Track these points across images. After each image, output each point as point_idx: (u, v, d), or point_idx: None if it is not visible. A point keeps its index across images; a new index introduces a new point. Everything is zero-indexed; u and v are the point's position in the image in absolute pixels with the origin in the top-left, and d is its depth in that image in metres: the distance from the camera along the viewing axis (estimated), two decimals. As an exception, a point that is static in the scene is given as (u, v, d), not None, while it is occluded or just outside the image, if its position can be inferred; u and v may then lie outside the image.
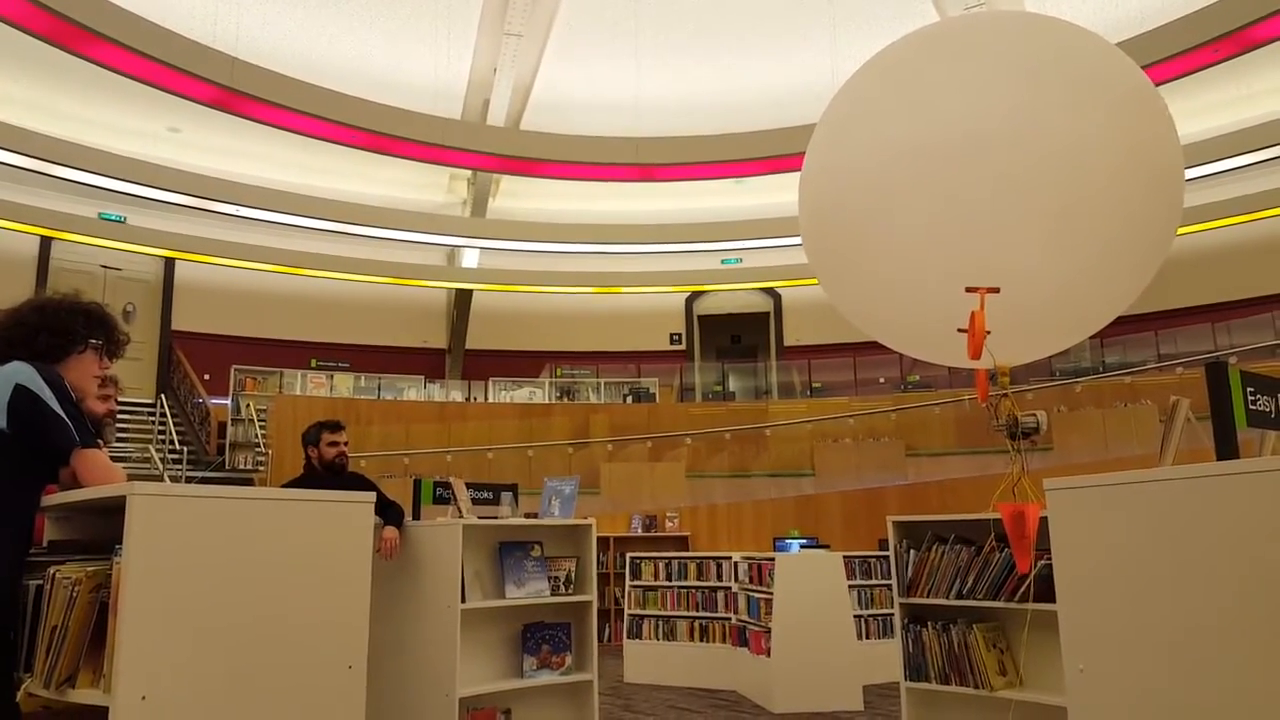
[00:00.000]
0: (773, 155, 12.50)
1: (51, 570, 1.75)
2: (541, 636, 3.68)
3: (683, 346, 16.18)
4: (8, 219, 11.93)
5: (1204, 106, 11.44)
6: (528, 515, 4.22)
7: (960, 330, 2.08)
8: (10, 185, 11.75)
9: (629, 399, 13.92)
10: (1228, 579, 1.59)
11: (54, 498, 1.96)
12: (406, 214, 14.06)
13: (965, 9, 10.95)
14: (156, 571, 1.65)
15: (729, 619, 6.70)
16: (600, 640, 5.02)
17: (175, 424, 12.00)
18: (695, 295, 16.31)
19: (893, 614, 3.41)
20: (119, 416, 9.62)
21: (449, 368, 15.46)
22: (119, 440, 10.73)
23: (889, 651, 4.77)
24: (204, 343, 13.55)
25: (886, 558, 5.49)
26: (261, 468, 11.31)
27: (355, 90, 11.82)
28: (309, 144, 12.44)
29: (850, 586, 6.33)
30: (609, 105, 13.11)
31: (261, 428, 11.84)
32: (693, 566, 7.14)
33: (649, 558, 7.42)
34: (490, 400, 13.86)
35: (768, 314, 16.21)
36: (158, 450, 10.88)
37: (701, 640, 6.86)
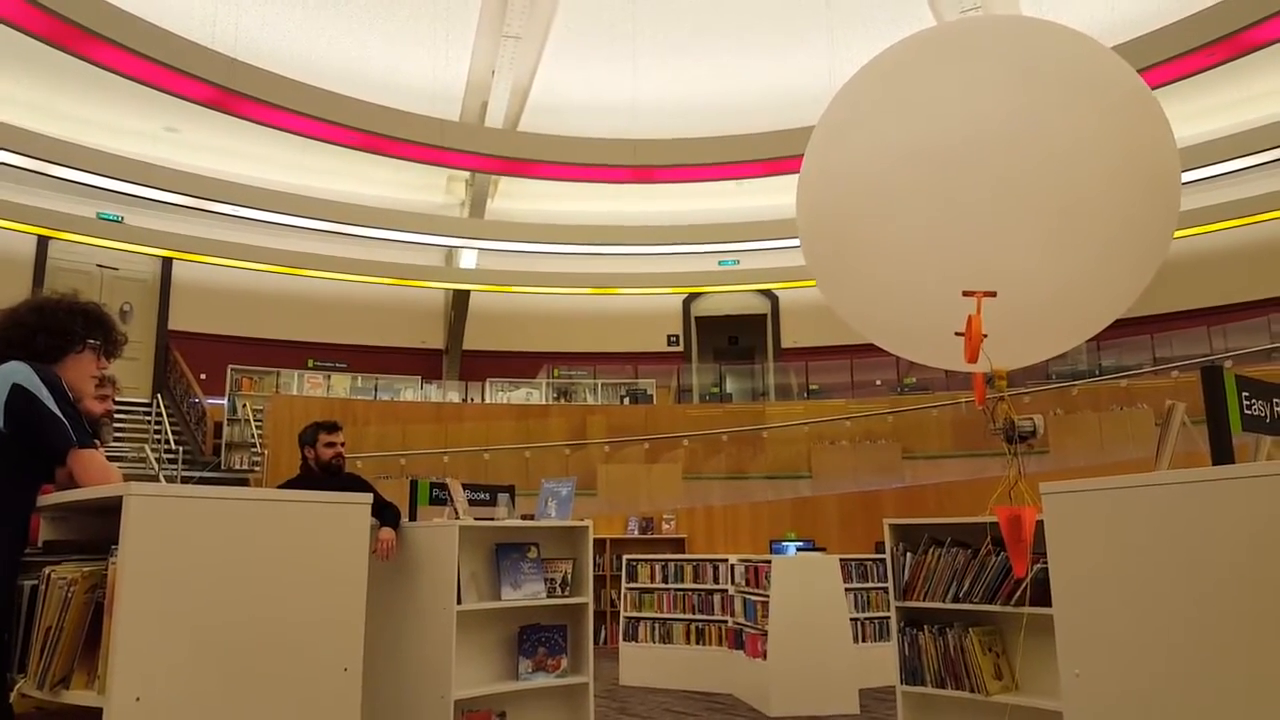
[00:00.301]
0: (770, 157, 12.53)
1: (47, 570, 1.74)
2: (537, 639, 3.68)
3: (680, 348, 16.18)
4: (5, 218, 11.91)
5: (1200, 110, 11.48)
6: (524, 517, 4.22)
7: (957, 334, 2.09)
8: (8, 185, 11.73)
9: (626, 400, 13.92)
10: (1223, 583, 1.60)
11: (50, 498, 1.96)
12: (404, 215, 14.06)
13: (961, 12, 10.98)
14: (152, 572, 1.65)
15: (725, 622, 6.69)
16: (596, 643, 5.02)
17: (171, 424, 11.97)
18: (693, 297, 16.32)
19: (889, 617, 3.41)
20: (115, 416, 9.59)
21: (446, 368, 15.45)
22: (115, 440, 10.69)
23: (885, 655, 4.77)
24: (201, 342, 13.52)
25: (883, 560, 5.51)
26: (257, 468, 11.28)
27: (353, 91, 11.82)
28: (307, 144, 12.44)
29: (846, 589, 6.34)
30: (607, 107, 13.12)
31: (258, 428, 11.81)
32: (689, 569, 7.14)
33: (645, 560, 7.41)
34: (487, 401, 13.85)
35: (765, 316, 16.23)
36: (154, 450, 10.86)
37: (697, 643, 6.86)
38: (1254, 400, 1.86)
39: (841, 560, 6.43)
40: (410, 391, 13.67)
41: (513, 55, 12.47)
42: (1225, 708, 1.58)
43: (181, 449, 11.64)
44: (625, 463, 11.20)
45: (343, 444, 3.98)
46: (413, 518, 3.93)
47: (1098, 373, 11.57)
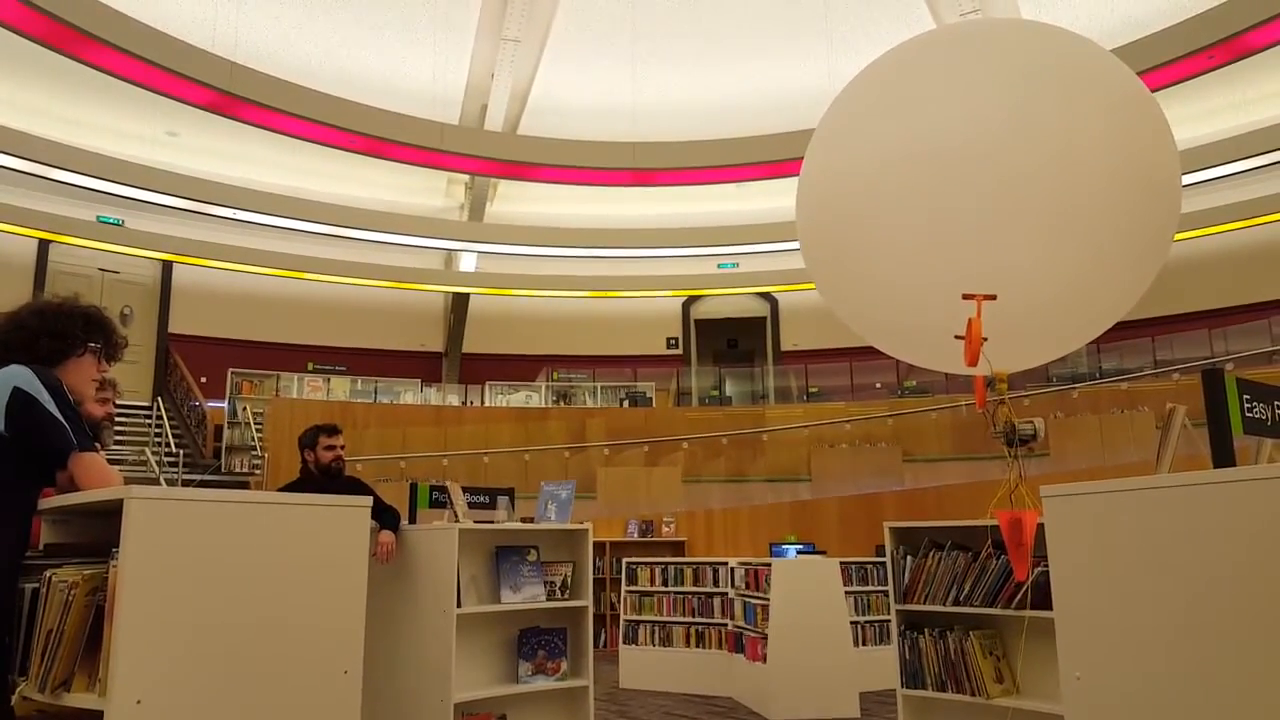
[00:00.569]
0: (770, 160, 12.54)
1: (48, 573, 1.74)
2: (537, 642, 3.68)
3: (679, 351, 16.19)
4: (6, 222, 11.91)
5: (1200, 113, 11.50)
6: (524, 520, 4.22)
7: (957, 337, 2.09)
8: (9, 188, 11.74)
9: (625, 403, 13.91)
10: (1225, 586, 1.60)
11: (51, 501, 1.96)
12: (404, 218, 14.07)
13: (960, 15, 11.00)
14: (153, 575, 1.65)
15: (725, 625, 6.69)
16: (596, 646, 5.01)
17: (172, 427, 11.97)
18: (692, 300, 16.32)
19: (889, 620, 3.41)
20: (116, 419, 9.59)
21: (446, 371, 15.45)
22: (116, 443, 10.69)
23: (885, 658, 4.76)
24: (201, 346, 13.52)
25: (883, 564, 5.50)
26: (258, 471, 11.28)
27: (353, 95, 11.84)
28: (307, 148, 12.45)
29: (847, 592, 6.33)
30: (606, 110, 13.14)
31: (258, 431, 11.81)
32: (689, 572, 7.13)
33: (645, 563, 7.41)
34: (487, 404, 13.85)
35: (764, 319, 16.24)
36: (154, 453, 10.85)
37: (698, 646, 6.85)
38: (1255, 403, 1.86)
39: (841, 563, 6.42)
40: (410, 394, 13.67)
41: (512, 58, 12.49)
42: (1227, 711, 1.58)
43: (182, 452, 11.63)
44: (625, 466, 11.20)
45: (342, 447, 3.98)
46: (412, 521, 3.93)
47: (1098, 375, 11.57)
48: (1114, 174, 2.11)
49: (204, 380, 12.81)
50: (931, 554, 3.29)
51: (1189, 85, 10.58)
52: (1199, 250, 12.07)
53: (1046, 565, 2.04)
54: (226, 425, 12.13)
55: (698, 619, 6.93)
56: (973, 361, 2.01)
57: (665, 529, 10.00)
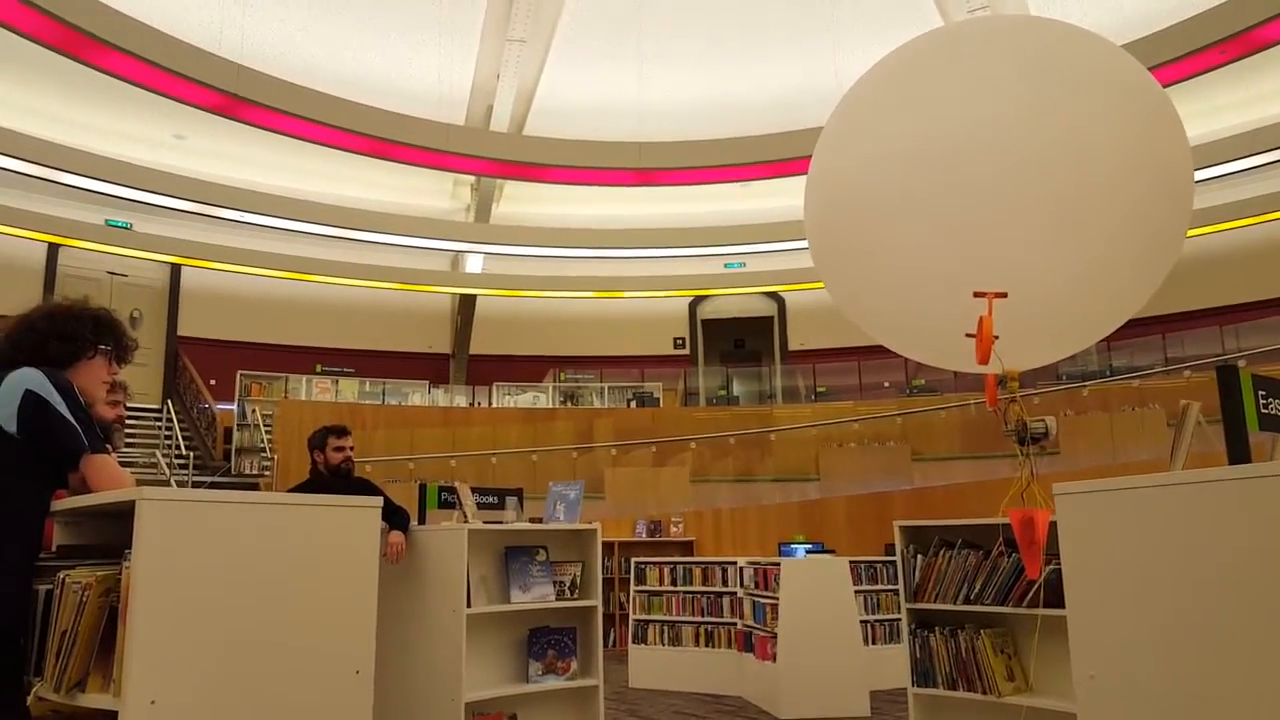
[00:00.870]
0: (776, 159, 12.52)
1: (61, 575, 1.75)
2: (547, 641, 3.68)
3: (686, 351, 16.17)
4: (16, 226, 11.99)
5: (1212, 108, 11.42)
6: (532, 520, 4.22)
7: (968, 335, 2.08)
8: (18, 192, 11.82)
9: (633, 403, 13.91)
10: (1241, 585, 1.58)
11: (63, 503, 1.97)
12: (410, 219, 14.10)
13: (969, 12, 10.95)
14: (165, 576, 1.65)
15: (734, 624, 6.68)
16: (605, 645, 5.01)
17: (181, 429, 12.03)
18: (699, 299, 16.31)
19: (899, 619, 3.40)
20: (126, 422, 9.63)
21: (453, 373, 15.48)
22: (126, 445, 10.74)
23: (896, 657, 4.75)
24: (209, 348, 13.59)
25: (893, 563, 5.48)
26: (267, 473, 11.32)
27: (359, 97, 11.88)
28: (313, 150, 12.50)
29: (856, 591, 6.31)
30: (612, 110, 13.13)
31: (267, 433, 11.85)
32: (698, 571, 7.12)
33: (654, 563, 7.40)
34: (494, 405, 13.87)
35: (771, 318, 16.21)
36: (164, 455, 10.90)
37: (707, 645, 6.84)
38: (1270, 399, 1.84)
39: (851, 562, 6.40)
40: (418, 396, 13.70)
41: (517, 59, 12.50)
42: (1244, 711, 1.56)
43: (192, 454, 11.68)
44: (632, 466, 11.20)
45: (351, 448, 3.99)
46: (422, 521, 3.93)
47: (1109, 373, 11.50)
48: (1126, 170, 2.09)
49: (213, 383, 12.87)
50: (942, 552, 3.27)
51: (1200, 81, 10.51)
52: (1210, 246, 11.98)
53: (1058, 563, 2.03)
54: (236, 427, 12.17)
55: (707, 618, 6.92)
56: (984, 360, 2.00)
57: (673, 529, 10.00)
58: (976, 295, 2.06)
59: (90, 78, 10.46)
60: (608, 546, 9.24)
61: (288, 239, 13.66)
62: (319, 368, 13.70)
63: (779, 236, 13.77)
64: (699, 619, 6.94)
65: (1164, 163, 2.17)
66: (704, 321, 16.39)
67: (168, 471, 10.35)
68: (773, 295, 16.04)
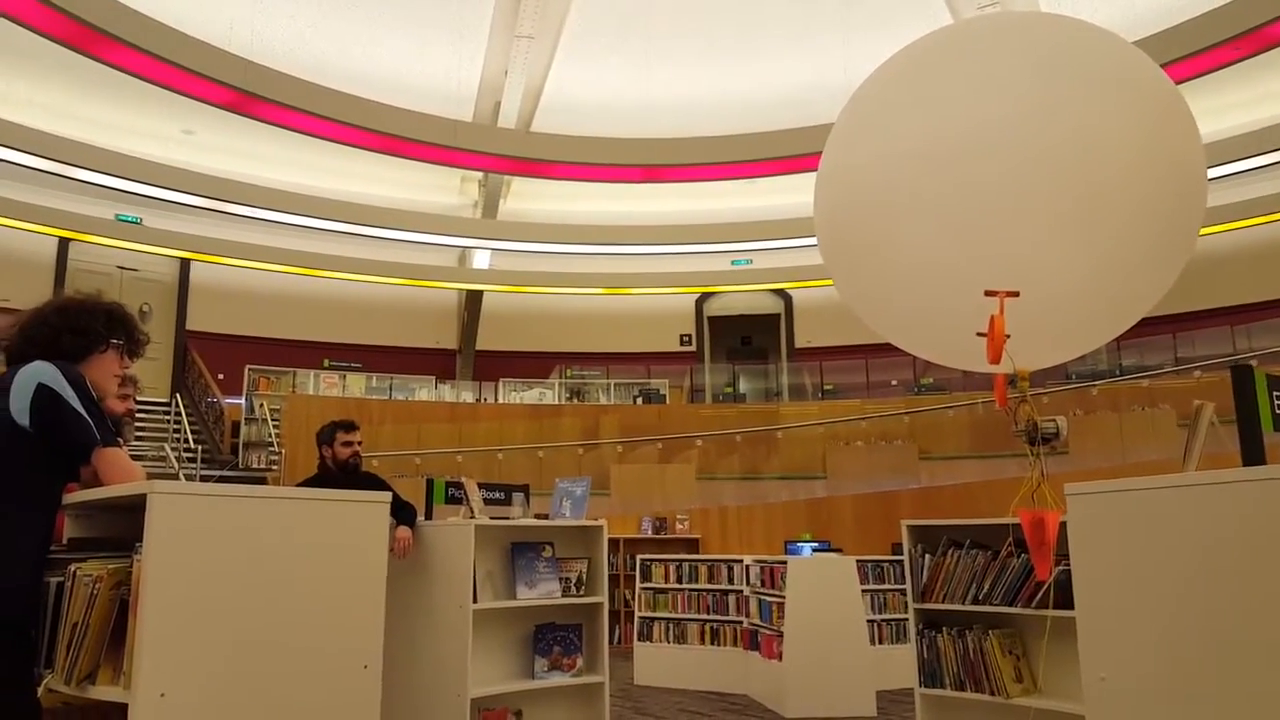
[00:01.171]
0: (784, 156, 12.48)
1: (72, 568, 1.76)
2: (553, 638, 3.68)
3: (693, 348, 16.16)
4: (27, 221, 12.07)
5: (1225, 105, 11.32)
6: (538, 516, 4.23)
7: (979, 334, 2.07)
8: (29, 187, 11.89)
9: (639, 400, 13.91)
10: (1255, 588, 1.57)
11: (75, 495, 1.98)
12: (418, 215, 14.12)
13: (979, 9, 10.89)
14: (176, 570, 1.66)
15: (740, 622, 6.67)
16: (611, 642, 5.02)
17: (190, 423, 12.09)
18: (705, 296, 16.28)
19: (906, 619, 3.39)
20: (136, 415, 9.69)
21: (460, 368, 15.51)
22: (135, 439, 10.81)
23: (903, 656, 4.73)
24: (218, 343, 13.65)
25: (900, 562, 5.47)
26: (275, 467, 11.37)
27: (368, 93, 11.89)
28: (322, 146, 12.52)
29: (863, 591, 6.30)
30: (620, 107, 13.12)
31: (275, 427, 11.90)
32: (704, 569, 7.12)
33: (659, 560, 7.40)
34: (501, 401, 13.89)
35: (778, 315, 16.17)
36: (172, 449, 10.96)
37: (713, 643, 6.84)
38: (1284, 400, 1.83)
39: (858, 561, 6.39)
40: (424, 391, 13.73)
41: (526, 55, 12.48)
42: (1257, 717, 1.55)
43: (200, 448, 11.75)
44: (638, 463, 11.20)
45: (360, 443, 4.01)
46: (428, 517, 3.94)
47: (1118, 373, 11.44)
48: (1138, 167, 2.08)
49: (221, 377, 12.93)
50: (950, 552, 3.26)
51: (1211, 79, 10.42)
52: (1221, 245, 11.90)
53: (1067, 564, 2.02)
54: (244, 421, 12.23)
55: (713, 616, 6.91)
56: (995, 359, 1.99)
57: (679, 526, 9.99)
58: (988, 294, 2.05)
59: (101, 73, 10.51)
60: (613, 543, 9.25)
61: (296, 234, 13.70)
62: (326, 362, 13.75)
63: (786, 233, 13.74)
64: (705, 617, 6.94)
65: (1176, 160, 2.16)
66: (711, 318, 16.37)
67: (176, 465, 10.40)
68: (780, 292, 16.00)
